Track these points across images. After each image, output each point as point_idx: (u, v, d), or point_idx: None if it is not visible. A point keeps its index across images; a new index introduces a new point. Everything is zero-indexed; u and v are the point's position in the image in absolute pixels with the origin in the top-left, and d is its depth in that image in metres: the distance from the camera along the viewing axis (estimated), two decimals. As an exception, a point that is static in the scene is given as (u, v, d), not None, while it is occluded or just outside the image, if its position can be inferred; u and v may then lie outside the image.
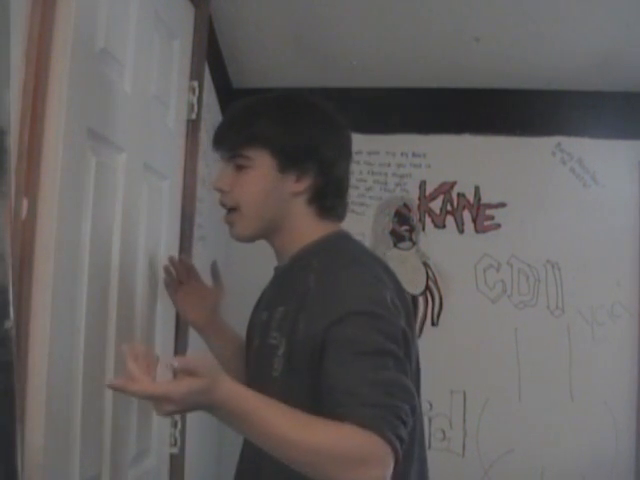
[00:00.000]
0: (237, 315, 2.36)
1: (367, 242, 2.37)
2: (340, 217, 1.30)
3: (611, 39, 2.08)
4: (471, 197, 2.38)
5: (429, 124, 2.37)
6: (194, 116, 1.79)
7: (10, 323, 0.87)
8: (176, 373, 0.90)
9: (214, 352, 1.48)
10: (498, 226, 2.36)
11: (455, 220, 2.39)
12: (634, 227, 2.30)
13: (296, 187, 1.23)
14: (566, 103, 2.31)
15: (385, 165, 2.41)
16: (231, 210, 1.25)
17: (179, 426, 1.71)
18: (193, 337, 1.81)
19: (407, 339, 1.14)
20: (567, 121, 2.33)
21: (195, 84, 1.78)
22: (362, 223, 2.37)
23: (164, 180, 1.65)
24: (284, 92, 1.34)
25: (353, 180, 2.39)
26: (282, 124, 1.23)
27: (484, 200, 2.37)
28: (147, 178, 1.53)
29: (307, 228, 1.25)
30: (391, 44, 2.18)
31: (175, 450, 1.70)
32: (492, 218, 2.36)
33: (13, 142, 0.97)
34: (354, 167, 2.46)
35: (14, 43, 0.97)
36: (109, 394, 1.32)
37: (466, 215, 2.38)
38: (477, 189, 2.38)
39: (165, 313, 1.65)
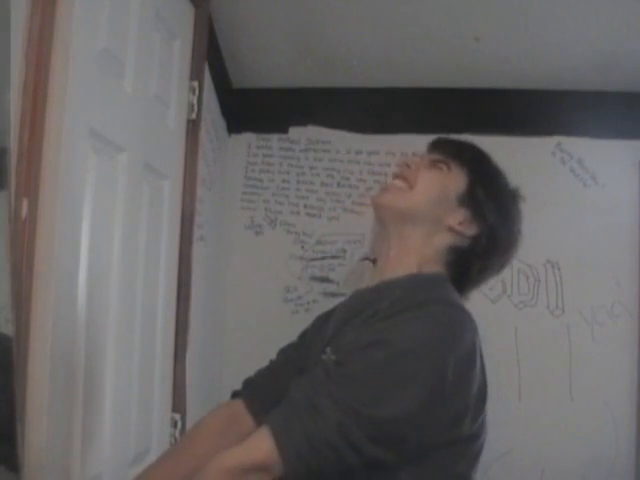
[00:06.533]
0: (237, 315, 2.37)
1: (367, 242, 2.37)
2: (462, 295, 1.24)
3: (611, 39, 2.08)
4: (471, 197, 2.38)
5: (429, 124, 2.37)
6: (194, 116, 1.79)
7: (10, 323, 0.87)
8: None
9: None
10: (498, 226, 2.36)
11: (455, 220, 2.38)
12: (634, 227, 2.30)
13: (456, 224, 1.22)
14: (566, 103, 2.31)
15: (385, 165, 2.40)
16: (402, 182, 1.24)
17: (179, 426, 1.71)
18: (193, 336, 1.81)
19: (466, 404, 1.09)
20: (567, 121, 2.32)
21: (195, 84, 1.78)
22: (362, 223, 2.37)
23: (164, 180, 1.65)
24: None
25: (353, 180, 2.42)
26: (491, 175, 1.28)
27: (484, 200, 2.37)
28: (147, 178, 1.52)
29: (422, 263, 1.20)
30: (391, 44, 2.17)
31: (175, 450, 1.70)
32: (492, 218, 2.36)
33: (13, 142, 0.97)
34: (354, 167, 2.48)
35: (14, 43, 0.97)
36: (110, 393, 1.32)
37: (466, 215, 2.37)
38: (477, 189, 2.38)
39: (165, 312, 1.65)
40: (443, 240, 1.22)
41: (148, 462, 1.55)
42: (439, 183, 1.23)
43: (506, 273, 2.35)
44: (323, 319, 1.36)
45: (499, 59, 2.20)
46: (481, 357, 1.14)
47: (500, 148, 2.43)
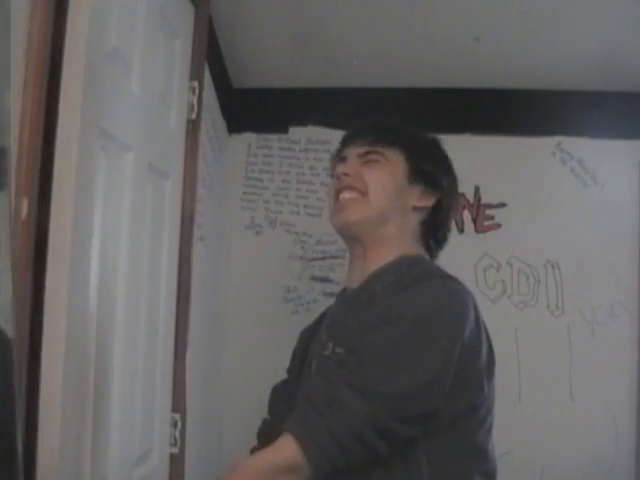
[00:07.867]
0: (237, 315, 2.37)
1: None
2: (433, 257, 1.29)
3: (611, 39, 2.08)
4: (471, 197, 2.38)
5: (429, 124, 2.36)
6: (194, 116, 1.78)
7: (10, 323, 0.87)
8: None
9: None
10: (498, 226, 2.36)
11: (455, 220, 2.38)
12: (634, 227, 2.30)
13: (417, 201, 1.24)
14: (566, 103, 2.31)
15: (385, 165, 2.40)
16: (353, 192, 1.23)
17: (179, 426, 1.70)
18: (193, 336, 1.81)
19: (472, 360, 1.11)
20: (567, 121, 2.32)
21: (195, 84, 1.78)
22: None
23: (166, 180, 1.65)
24: None
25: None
26: (424, 145, 1.30)
27: (484, 200, 2.37)
28: (151, 178, 1.52)
29: (404, 248, 1.23)
30: (391, 44, 2.17)
31: (175, 450, 1.70)
32: (492, 218, 2.36)
33: (13, 142, 0.97)
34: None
35: (14, 43, 0.97)
36: (117, 395, 1.32)
37: (466, 215, 2.38)
38: (477, 189, 2.38)
39: (165, 312, 1.65)
40: (413, 221, 1.26)
41: (149, 462, 1.55)
42: (386, 175, 1.24)
43: (506, 273, 2.35)
44: (310, 331, 1.36)
45: (499, 59, 2.20)
46: (483, 323, 1.18)
47: (500, 148, 2.46)
